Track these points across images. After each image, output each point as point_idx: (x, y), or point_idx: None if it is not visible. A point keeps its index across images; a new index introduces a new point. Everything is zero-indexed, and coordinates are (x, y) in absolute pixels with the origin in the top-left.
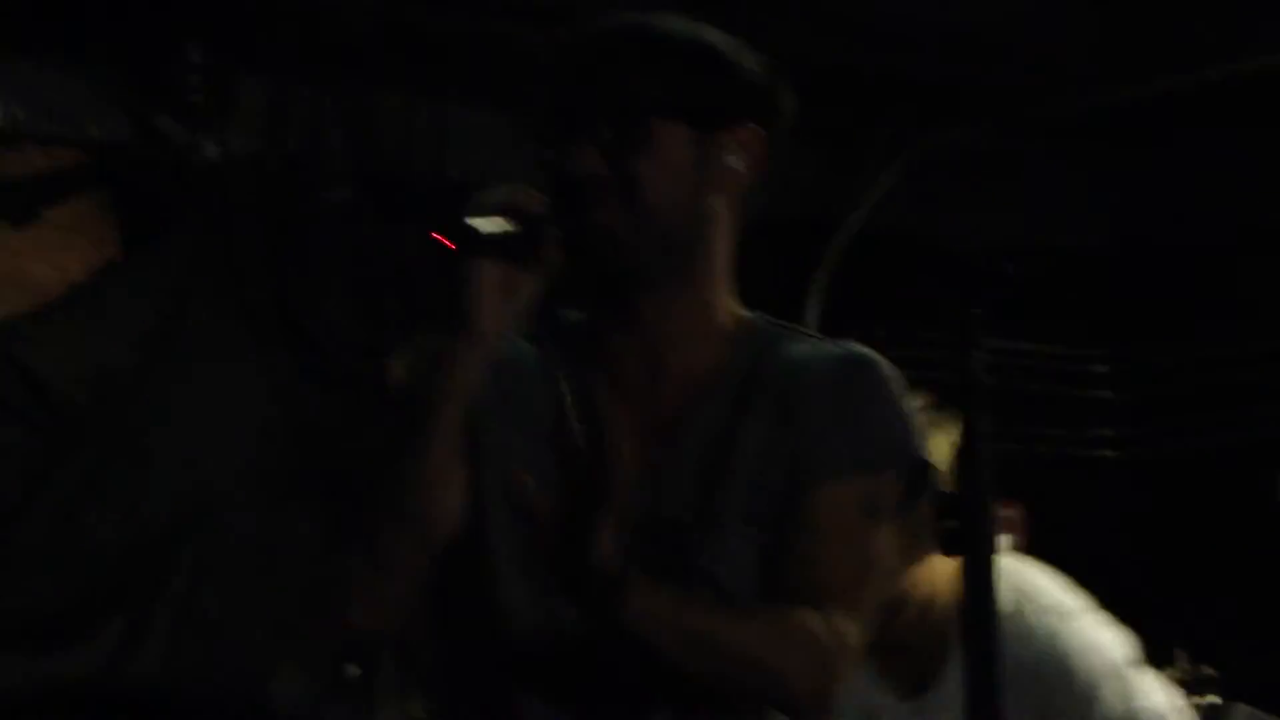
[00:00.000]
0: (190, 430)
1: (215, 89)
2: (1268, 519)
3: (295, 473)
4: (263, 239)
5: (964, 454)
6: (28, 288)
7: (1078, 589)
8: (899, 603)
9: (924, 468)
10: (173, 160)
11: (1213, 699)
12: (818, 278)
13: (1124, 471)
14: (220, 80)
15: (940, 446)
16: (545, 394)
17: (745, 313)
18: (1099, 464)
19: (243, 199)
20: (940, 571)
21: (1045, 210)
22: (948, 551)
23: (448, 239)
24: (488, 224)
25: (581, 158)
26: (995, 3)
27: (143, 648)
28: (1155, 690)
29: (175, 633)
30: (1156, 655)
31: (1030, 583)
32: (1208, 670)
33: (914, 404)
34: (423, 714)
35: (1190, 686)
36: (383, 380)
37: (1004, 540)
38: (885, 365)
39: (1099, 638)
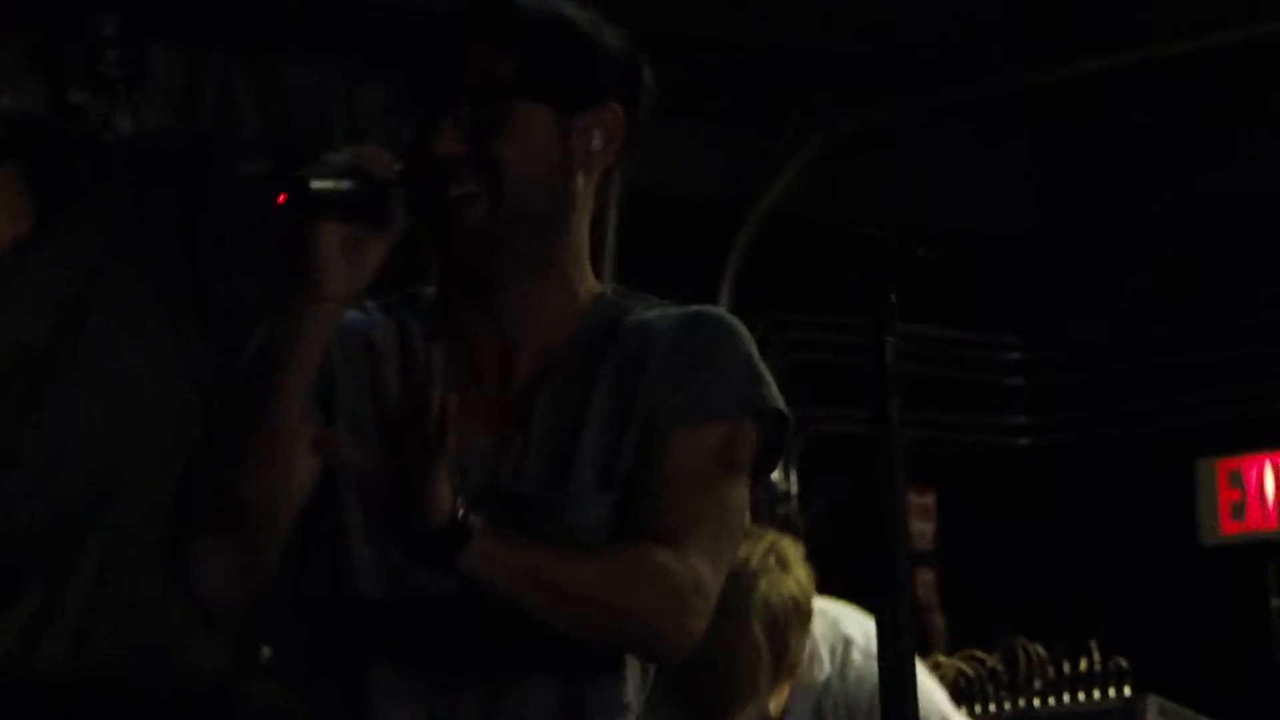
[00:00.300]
0: (104, 404)
1: (129, 61)
2: (1181, 509)
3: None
4: (175, 212)
5: (876, 440)
6: None
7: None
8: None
9: (781, 419)
10: (86, 132)
11: (1125, 690)
12: (731, 260)
13: (1036, 459)
14: (134, 52)
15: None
16: (393, 362)
17: (599, 287)
18: (1011, 451)
19: (155, 172)
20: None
21: (959, 194)
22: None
23: (289, 198)
24: (329, 184)
25: (442, 138)
26: None
27: (55, 624)
28: None
29: (88, 610)
30: (1070, 647)
31: (855, 626)
32: (1120, 662)
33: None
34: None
35: (1102, 678)
36: None
37: (918, 526)
38: (732, 319)
39: (925, 683)
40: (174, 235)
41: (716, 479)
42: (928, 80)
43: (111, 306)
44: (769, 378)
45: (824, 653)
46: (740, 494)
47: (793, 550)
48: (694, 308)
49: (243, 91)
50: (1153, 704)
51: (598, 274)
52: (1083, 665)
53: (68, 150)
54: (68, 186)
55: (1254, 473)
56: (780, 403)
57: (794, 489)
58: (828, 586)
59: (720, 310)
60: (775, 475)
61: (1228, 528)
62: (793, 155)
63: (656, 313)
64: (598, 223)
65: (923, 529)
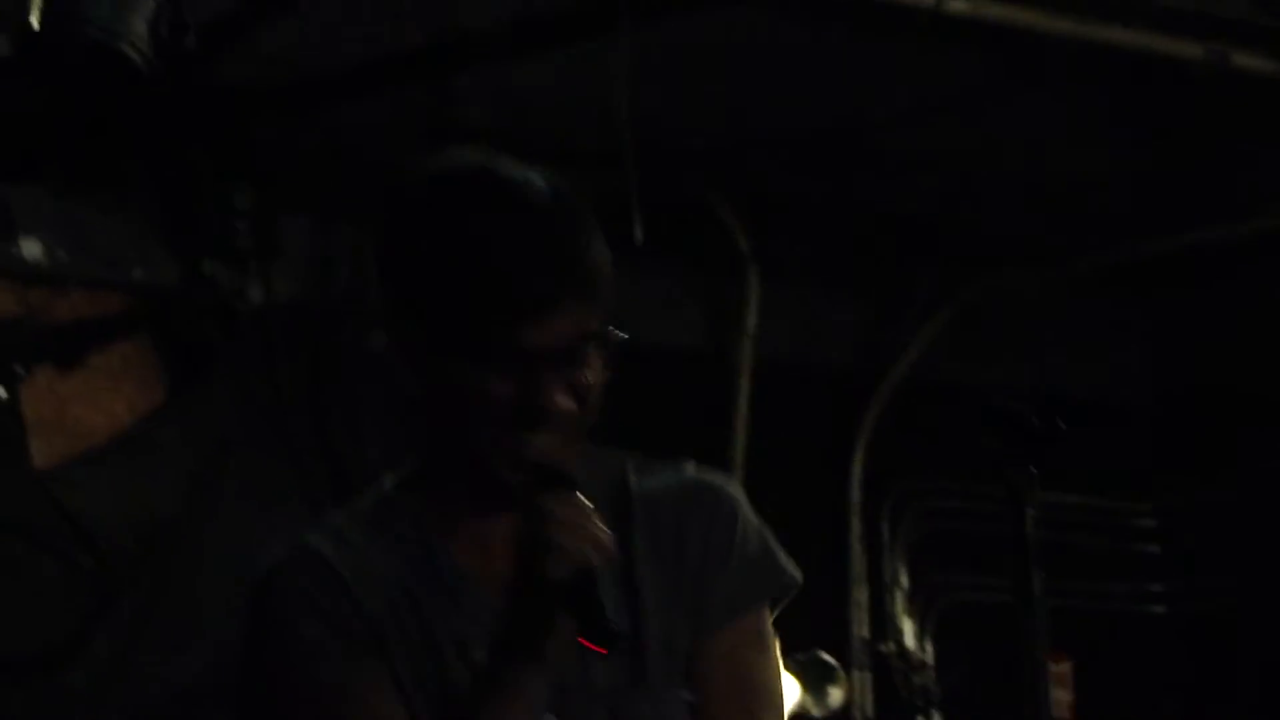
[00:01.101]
0: (234, 580)
1: (260, 232)
2: None
3: None
4: (307, 383)
5: (1018, 609)
6: (75, 433)
7: None
8: None
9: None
10: (218, 304)
11: None
12: (863, 428)
13: (1172, 625)
14: (265, 223)
15: None
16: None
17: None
18: (1147, 618)
19: (287, 343)
20: None
21: (1086, 360)
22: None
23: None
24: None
25: (553, 396)
26: (1037, 150)
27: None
28: None
29: None
30: None
31: None
32: None
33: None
34: None
35: None
36: None
37: (1055, 695)
38: (732, 486)
39: None
40: (306, 406)
41: (769, 665)
42: (1055, 246)
43: (244, 478)
44: (775, 542)
45: None
46: (778, 667)
47: None
48: (691, 477)
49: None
50: None
51: None
52: None
53: (200, 322)
54: (200, 359)
55: None
56: (796, 569)
57: (929, 658)
58: None
59: (714, 477)
60: (910, 643)
61: None
62: (923, 322)
63: (653, 481)
64: None
65: (1060, 697)
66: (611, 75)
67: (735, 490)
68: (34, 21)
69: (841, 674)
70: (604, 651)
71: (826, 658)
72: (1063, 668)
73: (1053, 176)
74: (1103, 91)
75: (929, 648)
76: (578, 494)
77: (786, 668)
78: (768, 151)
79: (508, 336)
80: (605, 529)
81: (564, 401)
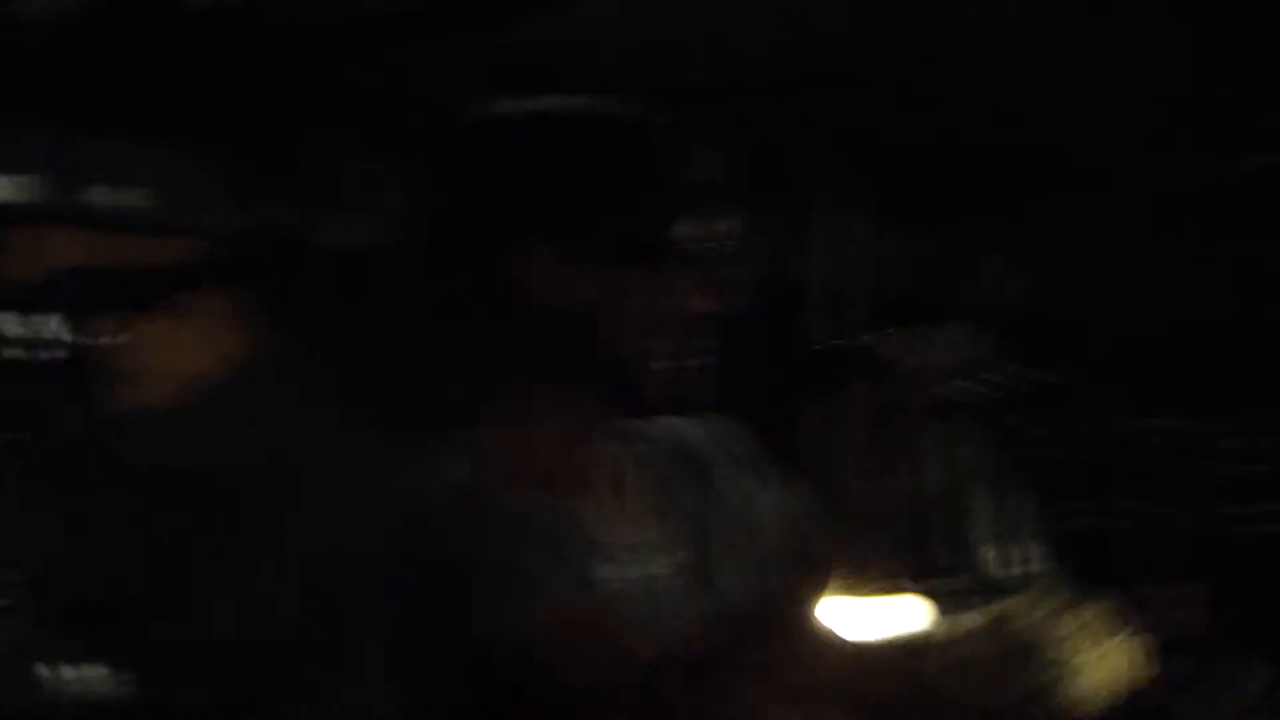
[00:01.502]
0: (325, 524)
1: (329, 176)
2: None
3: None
4: (378, 323)
5: None
6: (172, 377)
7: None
8: None
9: None
10: (290, 248)
11: None
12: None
13: None
14: (334, 167)
15: None
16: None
17: None
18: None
19: (358, 285)
20: None
21: (1158, 284)
22: None
23: None
24: None
25: (705, 298)
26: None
27: None
28: None
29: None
30: None
31: None
32: None
33: None
34: None
35: None
36: None
37: (1185, 617)
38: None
39: None
40: (379, 347)
41: None
42: (1121, 170)
43: (333, 423)
44: None
45: None
46: None
47: None
48: None
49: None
50: None
51: None
52: None
53: (274, 266)
54: (277, 303)
55: None
56: None
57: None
58: None
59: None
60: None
61: None
62: (996, 250)
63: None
64: None
65: (1188, 620)
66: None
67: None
68: None
69: None
70: None
71: None
72: (1191, 591)
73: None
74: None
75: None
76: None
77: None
78: (834, 88)
79: (666, 240)
80: None
81: (712, 304)
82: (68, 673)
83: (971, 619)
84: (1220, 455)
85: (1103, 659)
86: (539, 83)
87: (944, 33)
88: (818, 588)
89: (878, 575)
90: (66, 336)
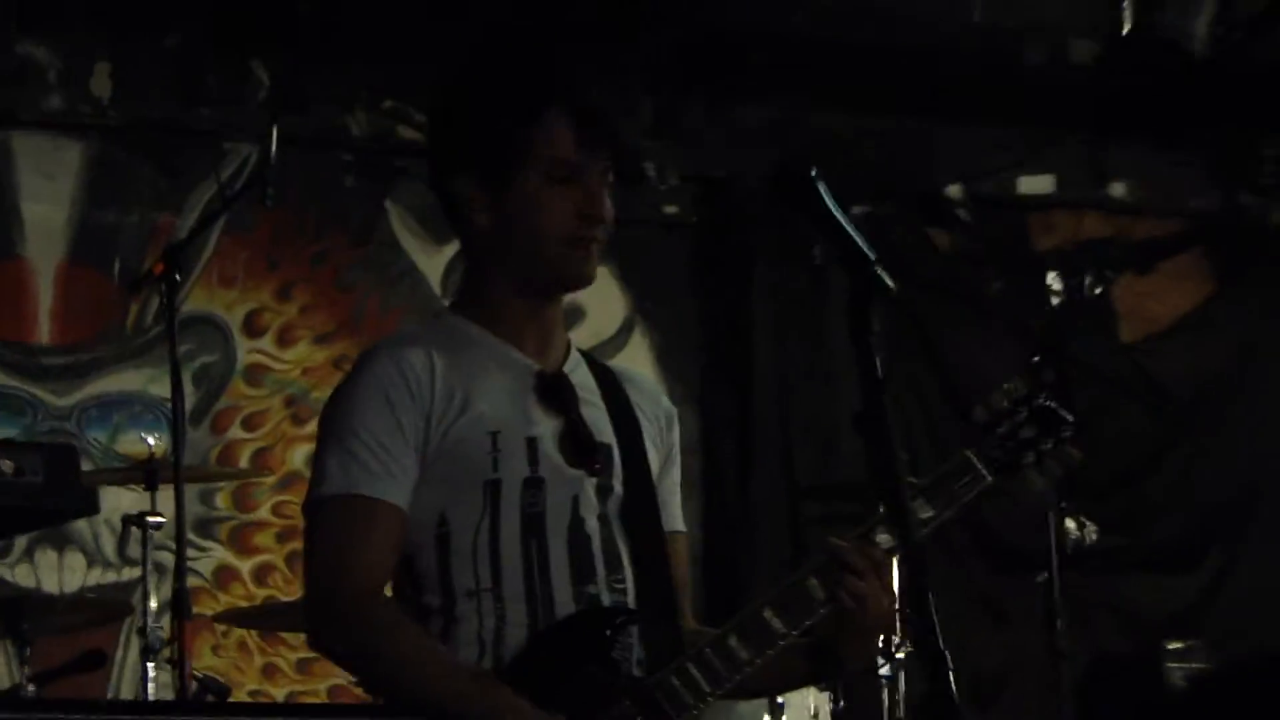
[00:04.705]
0: (1260, 418)
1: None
2: None
3: None
4: None
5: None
6: (1149, 317)
7: None
8: None
9: None
10: (1250, 226)
11: None
12: None
13: None
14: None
15: None
16: None
17: None
18: None
19: None
20: None
21: None
22: None
23: None
24: None
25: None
26: None
27: (1227, 585)
28: None
29: (1253, 577)
30: None
31: None
32: None
33: None
34: None
35: None
36: None
37: None
38: None
39: None
40: None
41: None
42: None
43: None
44: None
45: None
46: None
47: None
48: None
49: None
50: None
51: None
52: None
53: (1238, 239)
54: (1238, 266)
55: None
56: None
57: None
58: None
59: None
60: None
61: None
62: None
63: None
64: None
65: None
66: None
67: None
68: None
69: None
70: None
71: None
72: None
73: None
74: None
75: None
76: None
77: None
78: None
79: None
80: None
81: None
82: None
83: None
84: None
85: None
86: None
87: None
88: None
89: None
90: (1093, 288)
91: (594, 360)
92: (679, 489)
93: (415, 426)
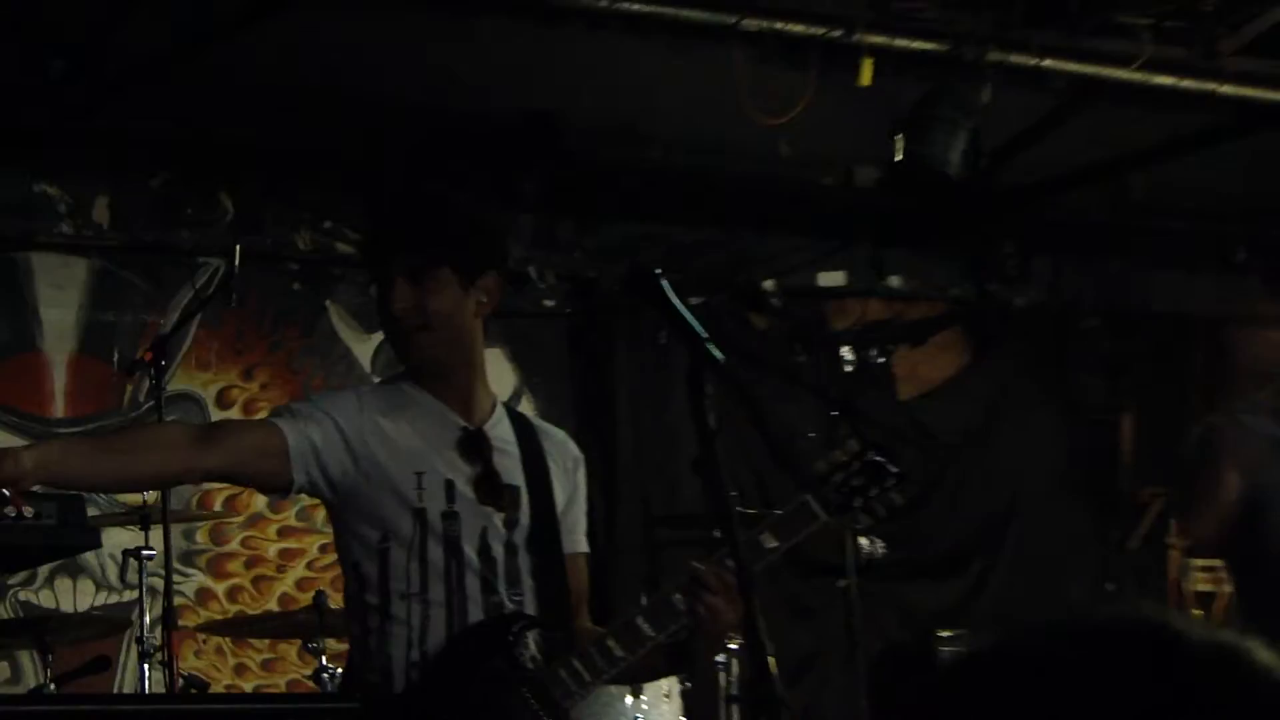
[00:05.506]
0: (1010, 456)
1: (1019, 265)
2: None
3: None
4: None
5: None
6: (919, 381)
7: None
8: None
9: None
10: (998, 309)
11: None
12: None
13: None
14: (1017, 259)
15: None
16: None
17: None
18: None
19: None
20: None
21: None
22: None
23: None
24: None
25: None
26: None
27: (988, 586)
28: None
29: (1008, 580)
30: None
31: None
32: None
33: None
34: None
35: None
36: None
37: None
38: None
39: None
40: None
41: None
42: None
43: (1013, 410)
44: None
45: None
46: None
47: None
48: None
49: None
50: None
51: None
52: None
53: (987, 320)
54: (988, 342)
55: None
56: None
57: None
58: None
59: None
60: None
61: None
62: None
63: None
64: None
65: None
66: None
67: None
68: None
69: None
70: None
71: None
72: None
73: None
74: None
75: None
76: None
77: None
78: None
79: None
80: None
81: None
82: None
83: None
84: None
85: None
86: None
87: None
88: None
89: None
90: (877, 358)
91: (516, 415)
92: (584, 518)
93: (334, 432)
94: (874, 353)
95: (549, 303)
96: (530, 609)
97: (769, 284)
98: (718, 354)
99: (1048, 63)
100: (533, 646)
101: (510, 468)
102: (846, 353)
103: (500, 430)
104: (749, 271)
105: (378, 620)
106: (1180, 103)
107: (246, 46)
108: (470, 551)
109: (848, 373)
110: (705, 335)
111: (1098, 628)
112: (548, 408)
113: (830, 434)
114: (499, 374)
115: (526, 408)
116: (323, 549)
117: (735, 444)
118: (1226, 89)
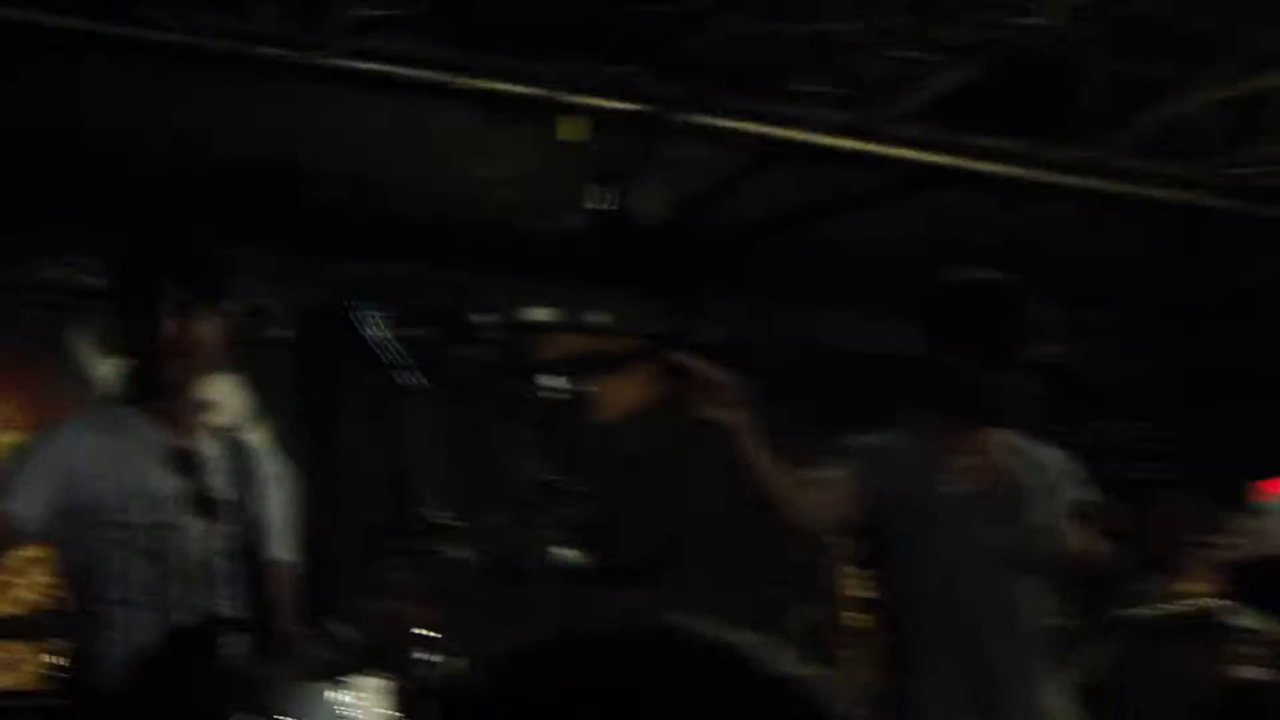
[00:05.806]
0: (690, 482)
1: (714, 305)
2: None
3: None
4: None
5: None
6: (619, 407)
7: None
8: None
9: None
10: (687, 345)
11: None
12: None
13: None
14: (700, 305)
15: None
16: None
17: None
18: None
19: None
20: None
21: None
22: None
23: None
24: None
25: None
26: None
27: (678, 589)
28: None
29: (698, 587)
30: None
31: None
32: None
33: None
34: None
35: None
36: None
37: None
38: None
39: None
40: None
41: None
42: None
43: (694, 435)
44: None
45: None
46: None
47: None
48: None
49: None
50: None
51: None
52: None
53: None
54: (681, 374)
55: None
56: None
57: None
58: None
59: None
60: None
61: None
62: None
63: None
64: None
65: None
66: None
67: None
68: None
69: None
70: None
71: None
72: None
73: None
74: None
75: None
76: None
77: None
78: None
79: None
80: None
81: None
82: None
83: None
84: None
85: None
86: None
87: None
88: None
89: None
90: (571, 387)
91: (228, 434)
92: (289, 528)
93: (54, 472)
94: (575, 381)
95: (282, 333)
96: (235, 612)
97: (486, 319)
98: (417, 380)
99: (738, 124)
100: (237, 648)
101: (219, 483)
102: (551, 380)
103: (211, 448)
104: (468, 308)
105: (92, 624)
106: (855, 161)
107: None
108: (177, 560)
109: (551, 399)
110: (410, 361)
111: (613, 631)
112: (277, 429)
113: (532, 456)
114: (233, 398)
115: (258, 429)
116: None
117: (448, 461)
118: (894, 151)
